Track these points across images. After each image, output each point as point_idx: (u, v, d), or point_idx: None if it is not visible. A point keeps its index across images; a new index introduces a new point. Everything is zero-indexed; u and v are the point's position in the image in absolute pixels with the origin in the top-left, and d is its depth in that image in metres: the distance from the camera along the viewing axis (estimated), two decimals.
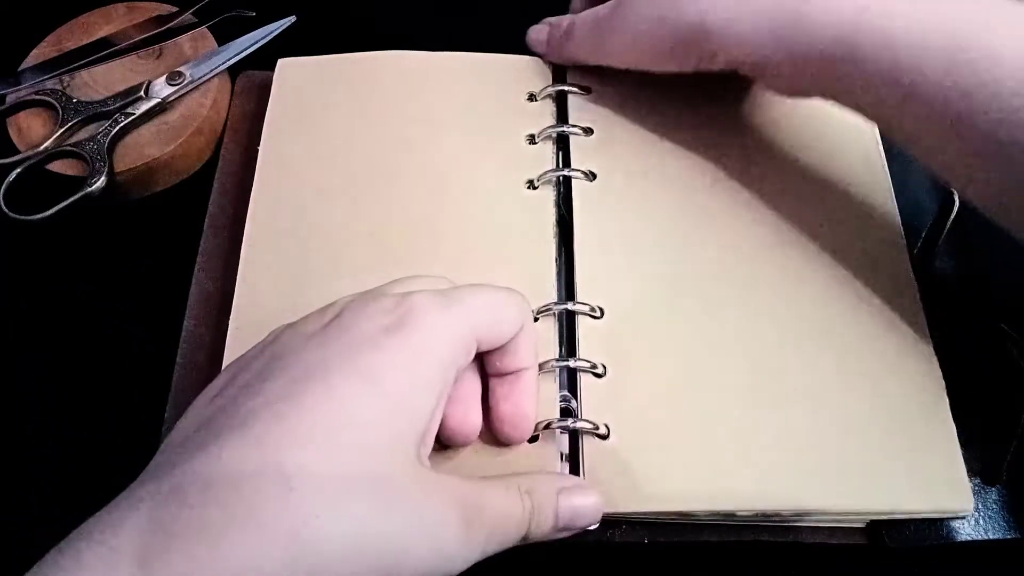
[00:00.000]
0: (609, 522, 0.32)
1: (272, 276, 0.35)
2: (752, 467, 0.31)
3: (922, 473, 0.31)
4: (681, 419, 0.32)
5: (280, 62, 0.42)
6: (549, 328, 0.34)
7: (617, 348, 0.34)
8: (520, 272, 0.35)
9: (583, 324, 0.34)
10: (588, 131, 0.39)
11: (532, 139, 0.39)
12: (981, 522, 0.33)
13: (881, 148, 0.39)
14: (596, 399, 0.33)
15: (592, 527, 0.29)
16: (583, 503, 0.28)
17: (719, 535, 0.33)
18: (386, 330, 0.24)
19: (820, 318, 0.34)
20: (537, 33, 0.41)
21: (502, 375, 0.30)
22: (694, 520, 0.32)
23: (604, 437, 0.32)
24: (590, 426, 0.32)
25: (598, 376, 0.33)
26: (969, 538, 0.32)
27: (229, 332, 0.34)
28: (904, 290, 0.35)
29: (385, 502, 0.22)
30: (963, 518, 0.32)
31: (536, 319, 0.34)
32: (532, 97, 0.41)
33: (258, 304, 0.35)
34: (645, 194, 0.38)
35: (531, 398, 0.30)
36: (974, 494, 0.31)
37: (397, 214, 0.37)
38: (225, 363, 0.32)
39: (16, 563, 0.22)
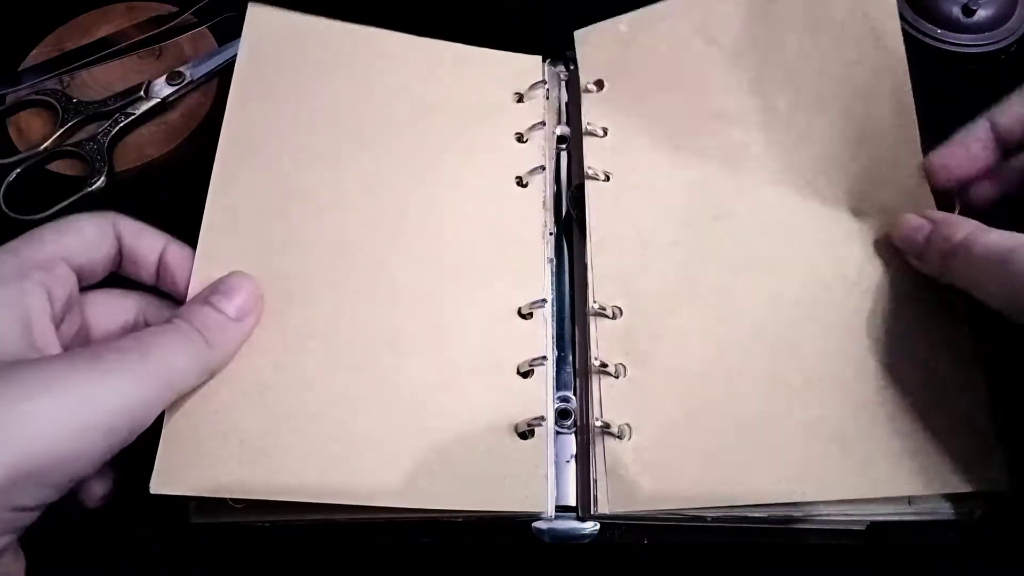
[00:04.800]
0: (609, 523, 0.32)
1: (236, 245, 0.34)
2: (776, 461, 0.31)
3: (956, 454, 0.30)
4: (703, 416, 0.32)
5: (251, 8, 0.40)
6: (539, 325, 0.34)
7: (635, 348, 0.33)
8: (506, 268, 0.35)
9: (601, 325, 0.34)
10: (604, 131, 0.39)
11: (520, 137, 0.39)
12: (980, 524, 0.33)
13: (915, 128, 0.36)
14: (615, 400, 0.32)
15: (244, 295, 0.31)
16: (226, 282, 0.31)
17: (719, 536, 0.33)
18: None
19: (844, 306, 0.33)
20: (914, 229, 0.33)
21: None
22: (701, 524, 0.32)
23: (620, 437, 0.32)
24: (600, 426, 0.32)
25: (615, 377, 0.33)
26: (969, 540, 0.32)
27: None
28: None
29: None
30: (1002, 494, 0.31)
31: (527, 317, 0.34)
32: (520, 97, 0.40)
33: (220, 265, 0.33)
34: (661, 194, 0.37)
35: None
36: (966, 499, 0.31)
37: (374, 194, 0.36)
38: None
39: None
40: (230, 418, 0.30)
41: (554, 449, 0.32)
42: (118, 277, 0.32)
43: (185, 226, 0.39)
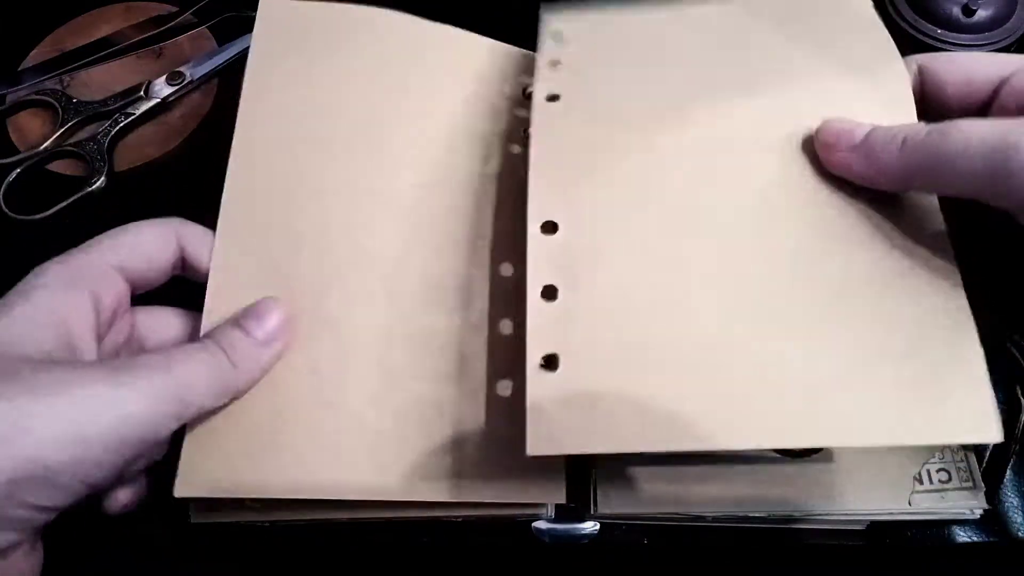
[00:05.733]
0: (609, 522, 0.32)
1: (254, 241, 0.33)
2: (729, 403, 0.27)
3: (943, 401, 0.27)
4: (645, 347, 0.28)
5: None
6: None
7: (570, 265, 0.29)
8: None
9: (532, 242, 0.29)
10: (555, 63, 0.35)
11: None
12: (981, 524, 0.33)
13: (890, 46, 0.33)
14: (543, 327, 0.28)
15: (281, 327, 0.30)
16: (257, 307, 0.30)
17: (719, 536, 0.33)
18: None
19: (819, 231, 0.29)
20: (837, 130, 0.30)
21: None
22: (701, 524, 0.32)
23: (549, 368, 0.27)
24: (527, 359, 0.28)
25: (546, 300, 0.29)
26: (969, 539, 0.32)
27: (207, 301, 0.32)
28: (928, 209, 0.29)
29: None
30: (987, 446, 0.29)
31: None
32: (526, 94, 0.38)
33: (238, 270, 0.32)
34: (614, 107, 0.33)
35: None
36: (975, 495, 0.31)
37: (392, 185, 0.35)
38: (204, 327, 0.31)
39: None
40: (251, 419, 0.30)
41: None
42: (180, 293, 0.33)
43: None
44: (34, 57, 0.45)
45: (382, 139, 0.36)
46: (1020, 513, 0.33)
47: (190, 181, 0.43)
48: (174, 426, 0.27)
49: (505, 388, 0.31)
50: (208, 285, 0.32)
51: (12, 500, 0.23)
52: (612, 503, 0.32)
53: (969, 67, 0.30)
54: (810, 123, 0.31)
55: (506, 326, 0.32)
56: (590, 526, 0.32)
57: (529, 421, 0.26)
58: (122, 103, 0.42)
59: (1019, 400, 0.33)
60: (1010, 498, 0.33)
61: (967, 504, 0.31)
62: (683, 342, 0.28)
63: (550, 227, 0.30)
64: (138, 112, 0.42)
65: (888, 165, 0.28)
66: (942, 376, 0.27)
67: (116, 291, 0.29)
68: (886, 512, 0.31)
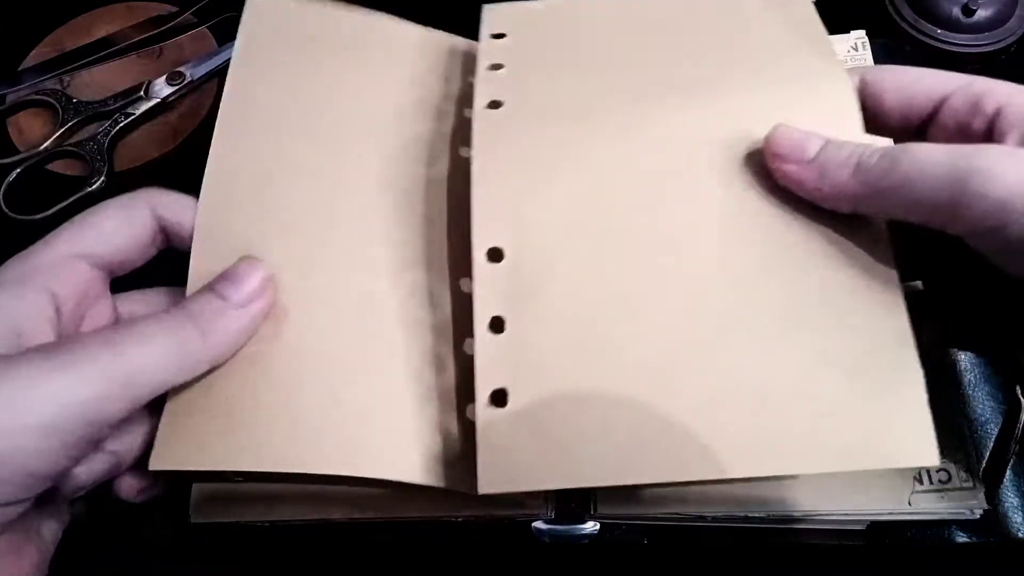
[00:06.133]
0: (609, 522, 0.32)
1: (235, 218, 0.32)
2: (688, 427, 0.26)
3: (883, 426, 0.26)
4: (593, 377, 0.27)
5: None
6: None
7: (517, 292, 0.28)
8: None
9: (478, 272, 0.28)
10: (497, 66, 0.34)
11: None
12: (980, 524, 0.33)
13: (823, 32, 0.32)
14: (491, 360, 0.27)
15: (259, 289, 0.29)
16: (233, 269, 0.29)
17: (719, 536, 0.33)
18: None
19: (767, 248, 0.28)
20: (789, 141, 0.29)
21: None
22: (701, 524, 0.32)
23: (499, 403, 0.27)
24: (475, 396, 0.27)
25: (493, 332, 0.28)
26: (969, 540, 0.32)
27: (190, 274, 0.31)
28: (873, 225, 0.29)
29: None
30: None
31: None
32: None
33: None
34: (560, 112, 0.32)
35: None
36: (974, 495, 0.31)
37: (368, 177, 0.34)
38: None
39: None
40: (229, 392, 0.29)
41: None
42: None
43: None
44: (34, 57, 0.45)
45: (341, 138, 0.35)
46: (1020, 513, 0.33)
47: (190, 181, 0.43)
48: (127, 408, 0.25)
49: (472, 413, 0.29)
50: (191, 258, 0.31)
51: None
52: (612, 503, 0.32)
53: (911, 83, 0.29)
54: (757, 130, 0.30)
55: (469, 346, 0.30)
56: (590, 526, 0.32)
57: (480, 459, 0.26)
58: (122, 103, 0.42)
59: (1019, 400, 0.33)
60: (1010, 498, 0.33)
61: (967, 504, 0.31)
62: (633, 369, 0.27)
63: (495, 254, 0.29)
64: (138, 112, 0.42)
65: (841, 187, 0.27)
66: (882, 399, 0.26)
67: (77, 281, 0.28)
68: (886, 512, 0.32)
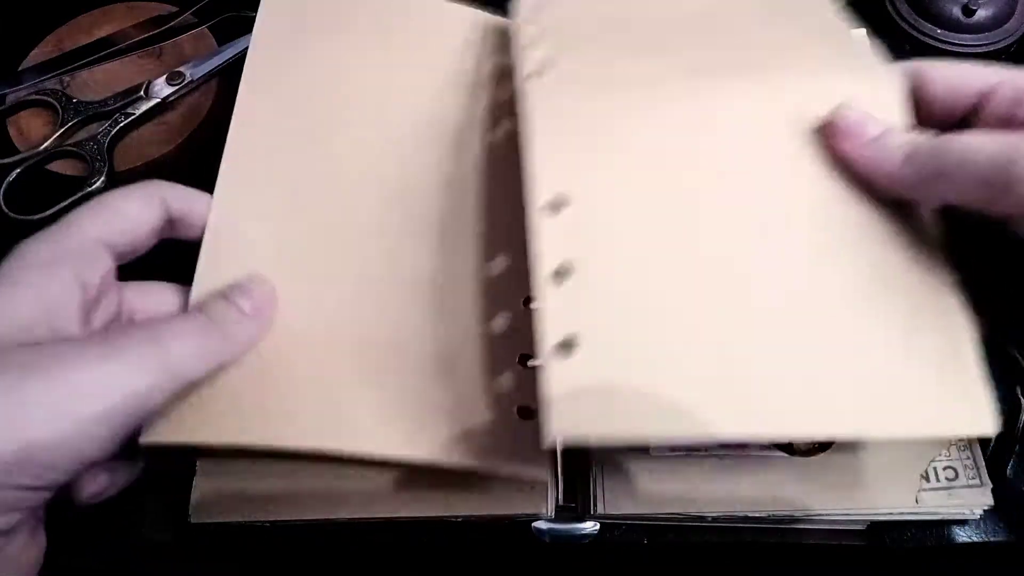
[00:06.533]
0: (609, 522, 0.32)
1: (250, 208, 0.33)
2: (753, 389, 0.26)
3: (942, 396, 0.27)
4: (664, 330, 0.27)
5: None
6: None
7: (585, 240, 0.28)
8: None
9: (538, 220, 0.28)
10: (539, 36, 0.33)
11: None
12: (980, 524, 0.33)
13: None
14: (558, 308, 0.26)
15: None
16: (245, 281, 0.30)
17: (719, 536, 0.33)
18: None
19: (828, 224, 0.29)
20: (851, 120, 0.29)
21: None
22: (701, 523, 0.32)
23: (566, 352, 0.26)
24: (542, 345, 0.26)
25: (559, 278, 0.27)
26: (968, 540, 0.32)
27: (199, 269, 0.31)
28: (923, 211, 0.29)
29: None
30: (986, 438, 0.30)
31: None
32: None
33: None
34: (609, 80, 0.31)
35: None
36: (982, 492, 0.31)
37: (391, 155, 0.34)
38: (193, 296, 0.31)
39: None
40: (231, 376, 0.29)
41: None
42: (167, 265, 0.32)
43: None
44: (34, 57, 0.45)
45: (364, 119, 0.35)
46: (1019, 514, 0.33)
47: (190, 181, 0.43)
48: (166, 397, 0.27)
49: (504, 383, 0.30)
50: (201, 253, 0.31)
51: (7, 484, 0.23)
52: (612, 503, 0.31)
53: (957, 76, 0.30)
54: (811, 109, 0.30)
55: (499, 323, 0.31)
56: (590, 526, 0.32)
57: (550, 408, 0.25)
58: (122, 103, 0.42)
59: (1019, 400, 0.33)
60: (1010, 499, 0.33)
61: (975, 501, 0.31)
62: (703, 324, 0.27)
63: (557, 201, 0.28)
64: (138, 112, 0.42)
65: (896, 170, 0.28)
66: (940, 372, 0.27)
67: (101, 266, 0.29)
68: (895, 511, 0.31)
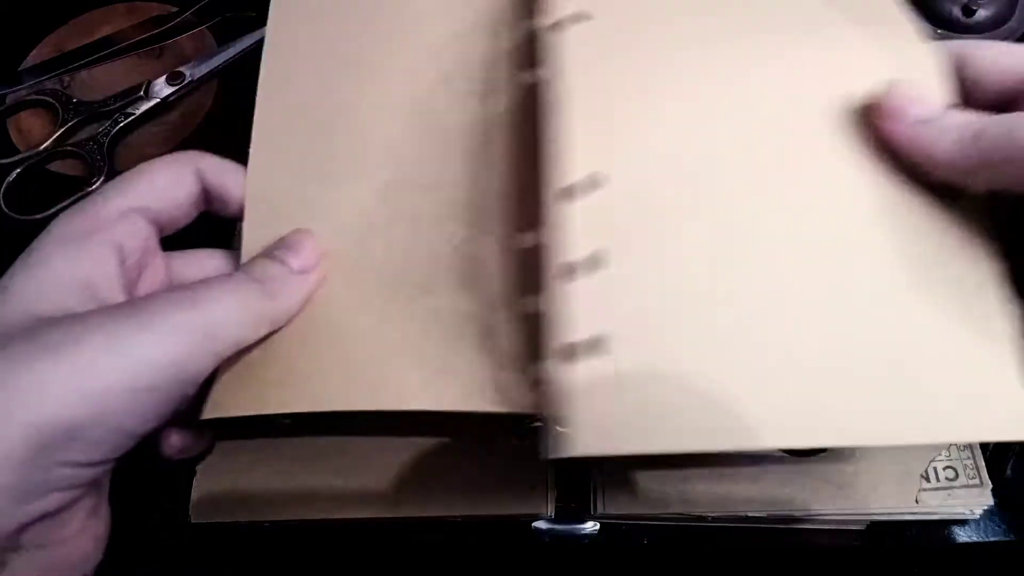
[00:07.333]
0: (609, 523, 0.32)
1: (286, 173, 0.31)
2: (793, 393, 0.24)
3: (979, 400, 0.25)
4: (701, 329, 0.24)
5: None
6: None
7: (620, 226, 0.25)
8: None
9: (570, 205, 0.25)
10: None
11: None
12: (980, 524, 0.33)
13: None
14: (588, 303, 0.24)
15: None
16: (289, 238, 0.29)
17: (719, 536, 0.33)
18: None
19: (876, 216, 0.27)
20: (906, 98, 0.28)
21: None
22: (701, 524, 0.32)
23: (595, 351, 0.24)
24: (567, 343, 0.24)
25: (590, 271, 0.25)
26: (968, 540, 0.32)
27: (244, 234, 0.30)
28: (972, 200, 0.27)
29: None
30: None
31: None
32: None
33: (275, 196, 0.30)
34: (650, 34, 0.29)
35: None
36: (982, 492, 0.31)
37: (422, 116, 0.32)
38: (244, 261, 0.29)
39: None
40: (279, 345, 0.28)
41: None
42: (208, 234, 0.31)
43: (187, 225, 0.39)
44: (34, 57, 0.45)
45: (387, 76, 0.33)
46: (1020, 512, 0.33)
47: None
48: (212, 362, 0.25)
49: (557, 368, 0.25)
50: (244, 218, 0.30)
51: (46, 461, 0.23)
52: (612, 503, 0.31)
53: (1007, 57, 0.30)
54: (855, 86, 0.28)
55: (532, 303, 0.27)
56: (590, 526, 0.32)
57: (575, 419, 0.23)
58: (122, 103, 0.42)
59: None
60: (1010, 500, 0.33)
61: (975, 501, 0.31)
62: (746, 324, 0.25)
63: (591, 180, 0.25)
64: (138, 112, 0.42)
65: (958, 154, 0.26)
66: (977, 375, 0.25)
67: (139, 234, 0.28)
68: (895, 511, 0.31)
